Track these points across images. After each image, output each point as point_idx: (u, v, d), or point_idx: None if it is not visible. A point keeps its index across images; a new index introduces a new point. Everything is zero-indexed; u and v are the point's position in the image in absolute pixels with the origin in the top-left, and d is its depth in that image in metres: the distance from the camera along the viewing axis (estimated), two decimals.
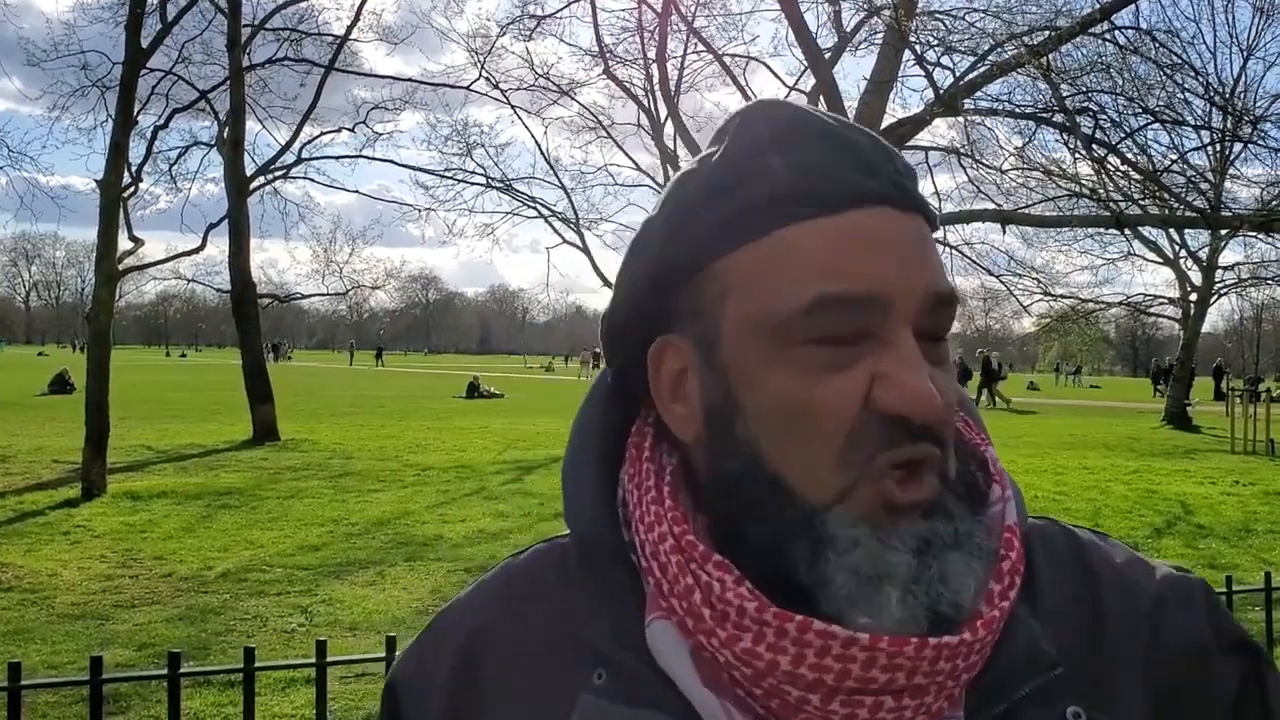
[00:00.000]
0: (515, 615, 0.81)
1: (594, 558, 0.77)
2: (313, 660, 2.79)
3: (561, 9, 21.23)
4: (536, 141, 27.47)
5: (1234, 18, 33.63)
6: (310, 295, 28.47)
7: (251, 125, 21.08)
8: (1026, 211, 16.01)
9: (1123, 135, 14.76)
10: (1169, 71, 14.95)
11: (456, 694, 0.79)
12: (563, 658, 0.76)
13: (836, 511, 0.66)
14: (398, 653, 2.76)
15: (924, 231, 0.70)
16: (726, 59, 18.23)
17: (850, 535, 0.65)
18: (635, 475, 0.76)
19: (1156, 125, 14.97)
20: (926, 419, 0.65)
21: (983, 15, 14.54)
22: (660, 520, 0.72)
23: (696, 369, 0.72)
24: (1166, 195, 14.89)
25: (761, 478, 0.68)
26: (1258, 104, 20.06)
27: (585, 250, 26.57)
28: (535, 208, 26.47)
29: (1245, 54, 20.60)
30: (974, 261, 18.46)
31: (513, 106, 24.58)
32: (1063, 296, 24.68)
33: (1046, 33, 13.76)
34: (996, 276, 18.55)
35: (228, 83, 19.47)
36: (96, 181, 12.99)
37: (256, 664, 2.72)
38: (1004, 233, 16.34)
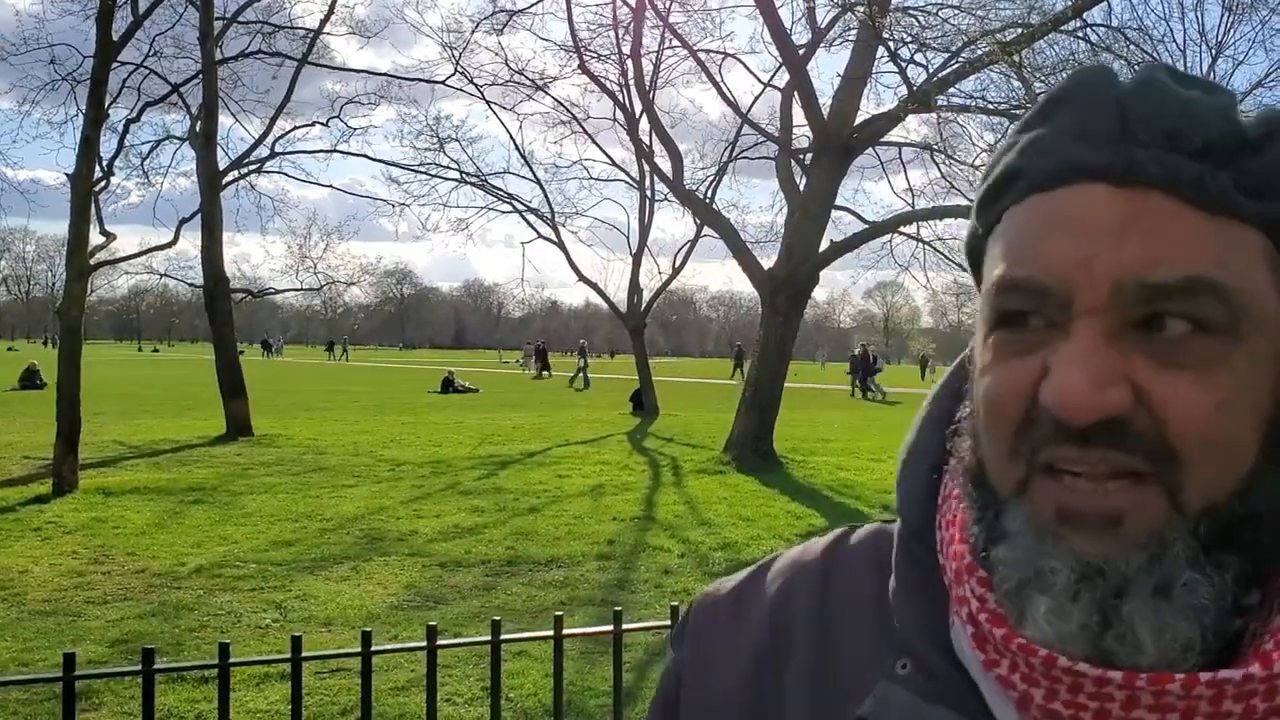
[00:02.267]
0: (834, 589, 0.78)
1: (914, 548, 0.74)
2: (288, 655, 2.79)
3: (535, 3, 21.24)
4: (511, 136, 27.50)
5: (1203, 16, 33.92)
6: (284, 290, 28.35)
7: (224, 119, 20.99)
8: None
9: None
10: (1140, 69, 15.08)
11: (763, 656, 0.77)
12: (868, 640, 0.73)
13: (1013, 503, 0.62)
14: (372, 648, 2.78)
15: (1150, 209, 0.60)
16: (702, 55, 18.25)
17: (1017, 530, 0.62)
18: (954, 464, 0.72)
19: None
20: (1069, 418, 0.58)
21: (956, 12, 14.62)
22: (954, 520, 0.70)
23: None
24: None
25: (975, 461, 0.66)
26: None
27: (560, 245, 26.62)
28: (510, 202, 26.51)
29: (1214, 52, 20.75)
30: (946, 257, 18.58)
31: (487, 101, 24.59)
32: None
33: (1019, 30, 13.85)
34: (969, 272, 18.64)
35: (200, 76, 19.36)
36: (67, 175, 12.88)
37: (231, 659, 2.73)
38: None
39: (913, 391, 38.60)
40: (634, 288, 26.71)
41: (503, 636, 2.93)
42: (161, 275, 24.49)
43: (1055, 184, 0.63)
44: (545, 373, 46.10)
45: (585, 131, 25.78)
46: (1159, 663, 0.58)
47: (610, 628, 3.09)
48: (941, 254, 18.60)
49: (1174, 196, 0.60)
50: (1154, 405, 0.58)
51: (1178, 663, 0.58)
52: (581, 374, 40.12)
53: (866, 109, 16.55)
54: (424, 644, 2.87)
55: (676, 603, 3.26)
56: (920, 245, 18.66)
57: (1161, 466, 0.58)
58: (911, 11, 14.97)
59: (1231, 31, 20.67)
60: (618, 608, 3.18)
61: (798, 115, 16.75)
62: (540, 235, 27.08)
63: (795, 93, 16.25)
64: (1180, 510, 0.58)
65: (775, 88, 19.33)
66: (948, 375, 0.79)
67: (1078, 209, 0.61)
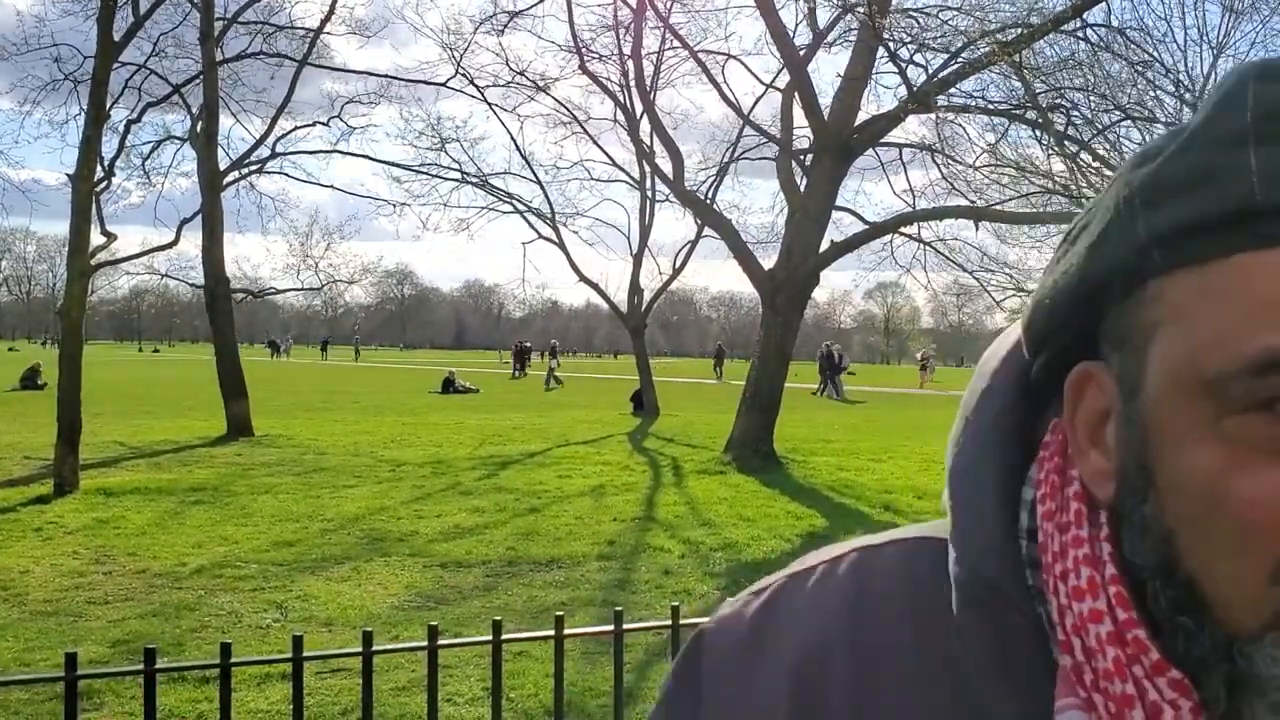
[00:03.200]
0: (869, 632, 0.65)
1: (990, 604, 0.60)
2: (290, 655, 2.79)
3: (536, 4, 21.25)
4: (512, 137, 27.43)
5: (1204, 16, 33.86)
6: (285, 290, 28.38)
7: (225, 119, 21.02)
8: (999, 208, 16.13)
9: (1095, 132, 14.91)
10: (1140, 69, 15.12)
11: (793, 706, 0.65)
12: (926, 693, 0.61)
13: (1270, 641, 0.50)
14: (374, 646, 2.79)
15: None
16: (703, 56, 18.25)
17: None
18: (1056, 512, 0.60)
19: (1128, 122, 15.11)
20: None
21: (956, 13, 14.64)
22: (1095, 590, 0.56)
23: (1117, 415, 0.57)
24: None
25: (1174, 579, 0.53)
26: None
27: (561, 245, 26.62)
28: (511, 203, 26.50)
29: (1215, 52, 20.71)
30: (947, 258, 18.58)
31: (488, 102, 24.59)
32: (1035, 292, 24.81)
33: (1019, 30, 13.86)
34: (969, 273, 18.66)
35: (200, 77, 19.37)
36: (68, 176, 12.89)
37: (233, 659, 2.73)
38: (976, 229, 16.46)
39: (885, 391, 38.62)
40: (634, 288, 26.71)
41: (504, 636, 2.94)
42: (162, 275, 24.57)
43: None
44: (520, 372, 46.48)
45: (586, 132, 25.81)
46: None
47: (611, 628, 3.09)
48: (942, 254, 18.59)
49: None
50: None
51: None
52: (551, 374, 40.21)
53: (867, 110, 16.58)
54: (425, 644, 2.87)
55: (678, 603, 3.26)
56: (921, 246, 18.66)
57: None
58: (911, 12, 15.00)
59: (1232, 32, 20.67)
60: (618, 608, 3.19)
61: (798, 116, 16.77)
62: (541, 236, 27.09)
63: (796, 93, 16.25)
64: None
65: (776, 89, 19.34)
66: (994, 383, 0.66)
67: None
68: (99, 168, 14.26)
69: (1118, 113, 14.98)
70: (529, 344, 53.35)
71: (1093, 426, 0.59)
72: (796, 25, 17.07)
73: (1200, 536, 0.52)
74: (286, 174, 24.19)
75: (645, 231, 27.08)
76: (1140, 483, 0.55)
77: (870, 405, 31.81)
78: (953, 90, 15.28)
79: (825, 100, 16.11)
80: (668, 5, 19.06)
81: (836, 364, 36.40)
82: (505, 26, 21.38)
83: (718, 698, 0.68)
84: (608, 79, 21.81)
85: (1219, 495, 0.50)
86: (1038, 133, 15.29)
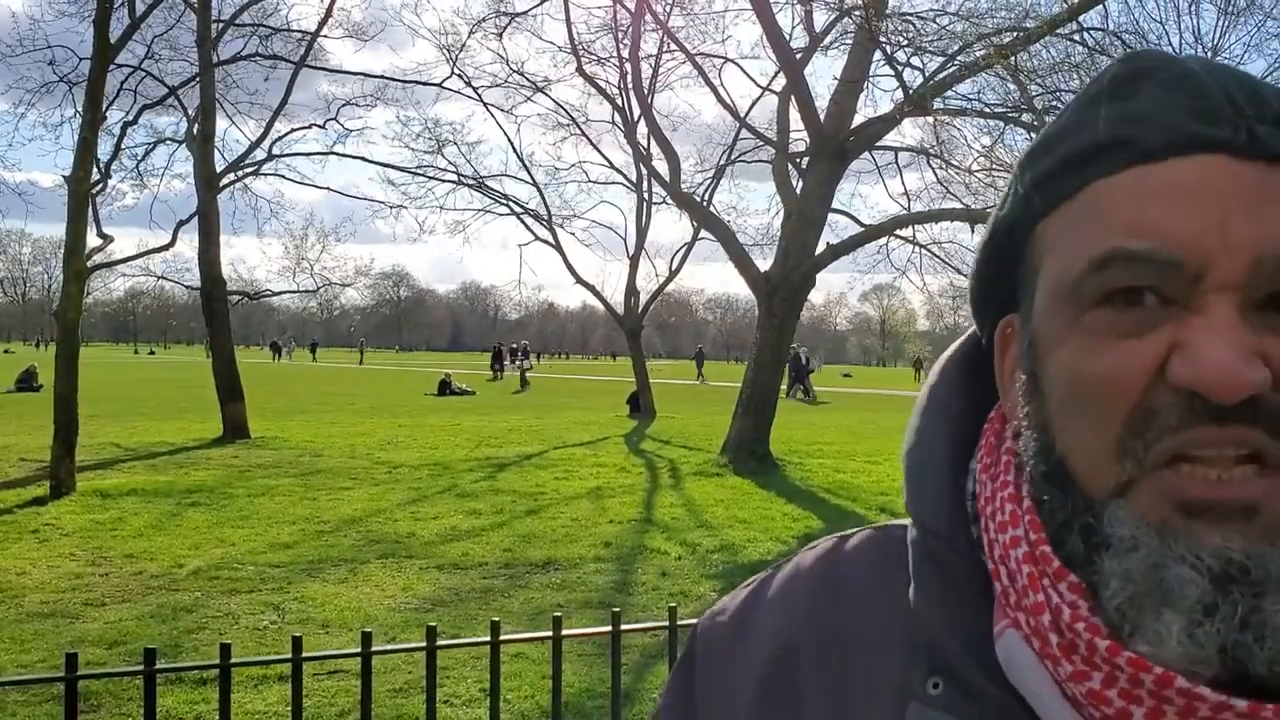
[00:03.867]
0: (839, 604, 0.73)
1: (939, 553, 0.68)
2: (288, 656, 2.80)
3: (534, 7, 21.27)
4: (509, 138, 27.55)
5: (1199, 20, 34.02)
6: (281, 292, 28.39)
7: (221, 121, 21.00)
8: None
9: None
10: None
11: (769, 682, 0.72)
12: (887, 659, 0.68)
13: (1114, 506, 0.57)
14: (372, 647, 2.80)
15: (1275, 183, 0.58)
16: (700, 59, 18.27)
17: (1128, 536, 0.56)
18: (991, 465, 0.68)
19: None
20: (1221, 395, 0.54)
21: (952, 16, 14.66)
22: (1016, 521, 0.63)
23: (1018, 340, 0.66)
24: None
25: (1049, 459, 0.61)
26: None
27: (558, 247, 26.63)
28: (507, 205, 26.51)
29: (1210, 55, 20.81)
30: (943, 260, 18.62)
31: (485, 104, 24.61)
32: None
33: (1015, 33, 13.89)
34: (965, 275, 18.70)
35: (197, 79, 19.35)
36: (64, 177, 12.89)
37: (232, 660, 2.74)
38: (973, 232, 16.47)
39: (847, 392, 38.64)
40: (631, 290, 26.73)
41: (501, 637, 2.95)
42: (158, 277, 24.53)
43: (1167, 155, 0.58)
44: (499, 374, 46.37)
45: (584, 134, 25.84)
46: None
47: (608, 629, 3.11)
48: (938, 257, 18.64)
49: None
50: None
51: None
52: (520, 374, 40.09)
53: (863, 112, 16.62)
54: (423, 644, 2.88)
55: (675, 604, 3.27)
56: (917, 249, 18.71)
57: None
58: (907, 15, 15.02)
59: (1227, 35, 20.76)
60: (615, 609, 3.20)
61: (794, 119, 16.80)
62: (538, 238, 27.10)
63: (792, 96, 16.28)
64: None
65: (773, 92, 19.39)
66: (945, 368, 0.76)
67: (1203, 180, 0.57)
68: (95, 169, 14.24)
69: None
70: (504, 345, 52.98)
71: (1015, 369, 0.67)
72: (793, 28, 17.13)
73: (1067, 421, 0.60)
74: (283, 176, 24.17)
75: (642, 233, 27.11)
76: (1031, 389, 0.63)
77: (836, 406, 31.82)
78: (949, 93, 15.32)
79: (821, 103, 16.14)
80: (665, 8, 19.10)
81: (805, 366, 36.76)
82: (504, 30, 21.42)
83: (708, 681, 0.76)
84: (605, 81, 21.86)
85: (1076, 377, 0.59)
86: (1034, 136, 15.29)
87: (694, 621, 0.84)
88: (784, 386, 35.82)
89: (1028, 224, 0.65)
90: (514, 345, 51.30)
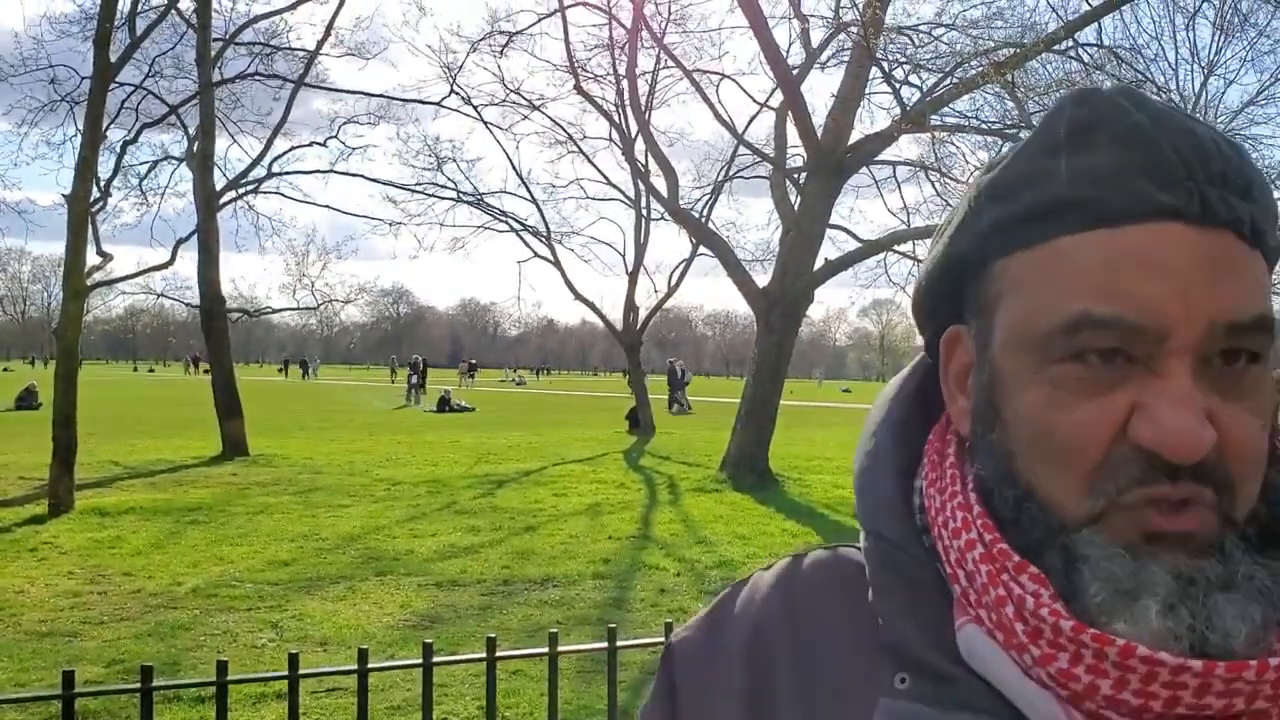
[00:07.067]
0: (802, 616, 0.78)
1: (896, 560, 0.73)
2: (285, 673, 2.80)
3: (531, 25, 21.36)
4: (508, 156, 27.61)
5: (1195, 36, 34.13)
6: (281, 310, 28.37)
7: (221, 140, 21.04)
8: None
9: None
10: (1118, 91, 15.19)
11: (748, 695, 0.76)
12: (854, 664, 0.72)
13: (1089, 532, 0.63)
14: (369, 664, 2.80)
15: (1227, 250, 0.63)
16: (697, 75, 18.33)
17: (1103, 553, 0.62)
18: (937, 480, 0.73)
19: None
20: (1180, 459, 0.60)
21: (949, 32, 14.72)
22: (969, 526, 0.69)
23: (974, 366, 0.71)
24: None
25: (1015, 485, 0.66)
26: (1219, 120, 20.39)
27: (557, 263, 26.66)
28: (506, 221, 26.54)
29: (1206, 71, 20.89)
30: None
31: (484, 122, 24.69)
32: None
33: (1012, 50, 13.94)
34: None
35: (197, 97, 19.41)
36: (64, 196, 12.91)
37: (229, 677, 2.74)
38: None
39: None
40: (630, 306, 26.75)
41: (498, 654, 2.95)
42: (158, 295, 24.46)
43: (1126, 221, 0.63)
44: (415, 397, 39.45)
45: (581, 151, 25.93)
46: (1242, 650, 0.60)
47: (605, 645, 3.10)
48: None
49: (1239, 236, 0.64)
50: (1223, 438, 0.61)
51: (1254, 651, 0.60)
52: (414, 390, 38.96)
53: (861, 128, 16.67)
54: (420, 661, 2.88)
55: (672, 620, 3.27)
56: (915, 263, 18.72)
57: (1222, 493, 0.62)
58: (905, 32, 15.08)
59: (1223, 50, 20.83)
60: (612, 625, 3.20)
61: (792, 135, 16.85)
62: (537, 254, 27.12)
63: (789, 112, 16.33)
64: (1232, 524, 0.62)
65: (770, 108, 19.45)
66: (900, 381, 0.82)
67: (1162, 249, 0.62)
68: (95, 188, 14.27)
69: None
70: (408, 358, 46.10)
71: (960, 377, 0.73)
72: (790, 45, 17.24)
73: (1033, 456, 0.65)
74: (283, 194, 24.21)
75: (640, 249, 27.17)
76: (990, 416, 0.68)
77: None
78: (946, 109, 15.37)
79: (819, 119, 16.19)
80: (662, 26, 19.19)
81: (680, 379, 37.06)
82: (504, 49, 21.50)
83: (688, 688, 0.81)
84: (603, 99, 21.93)
85: (1044, 425, 0.64)
86: None
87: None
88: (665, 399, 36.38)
89: (984, 257, 0.69)
90: (413, 359, 43.00)
